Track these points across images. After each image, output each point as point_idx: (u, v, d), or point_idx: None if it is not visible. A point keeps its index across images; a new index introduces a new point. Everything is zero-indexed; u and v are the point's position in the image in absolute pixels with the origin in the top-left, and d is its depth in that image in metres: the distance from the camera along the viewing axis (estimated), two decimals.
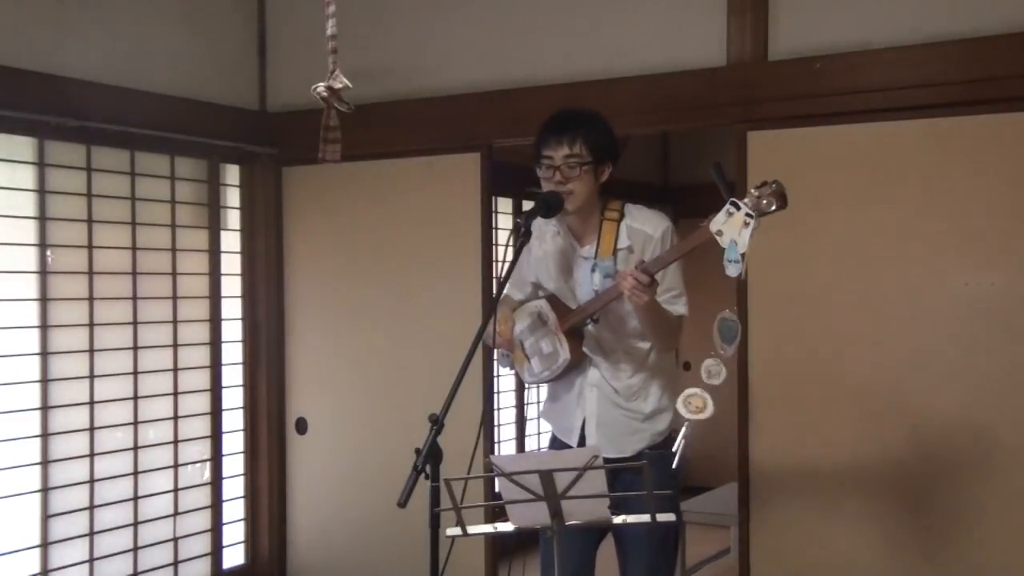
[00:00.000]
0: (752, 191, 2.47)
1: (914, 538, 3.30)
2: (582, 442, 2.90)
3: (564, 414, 2.97)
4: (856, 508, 3.39)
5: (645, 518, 2.28)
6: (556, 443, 3.02)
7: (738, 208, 2.44)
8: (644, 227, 2.81)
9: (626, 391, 2.87)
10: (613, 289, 2.71)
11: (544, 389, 3.09)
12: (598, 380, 2.89)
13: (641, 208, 2.88)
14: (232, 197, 4.63)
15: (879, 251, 3.37)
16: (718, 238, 2.47)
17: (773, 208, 2.43)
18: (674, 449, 2.75)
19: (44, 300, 3.81)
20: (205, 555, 4.46)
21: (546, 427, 6.03)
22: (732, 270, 2.47)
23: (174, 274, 4.30)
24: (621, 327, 2.85)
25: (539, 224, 2.95)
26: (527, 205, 3.04)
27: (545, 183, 2.82)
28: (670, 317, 2.79)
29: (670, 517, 2.32)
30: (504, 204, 5.76)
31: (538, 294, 3.01)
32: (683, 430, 2.69)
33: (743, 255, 2.44)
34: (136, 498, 4.14)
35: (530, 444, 6.18)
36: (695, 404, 2.63)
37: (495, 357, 3.05)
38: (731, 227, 2.45)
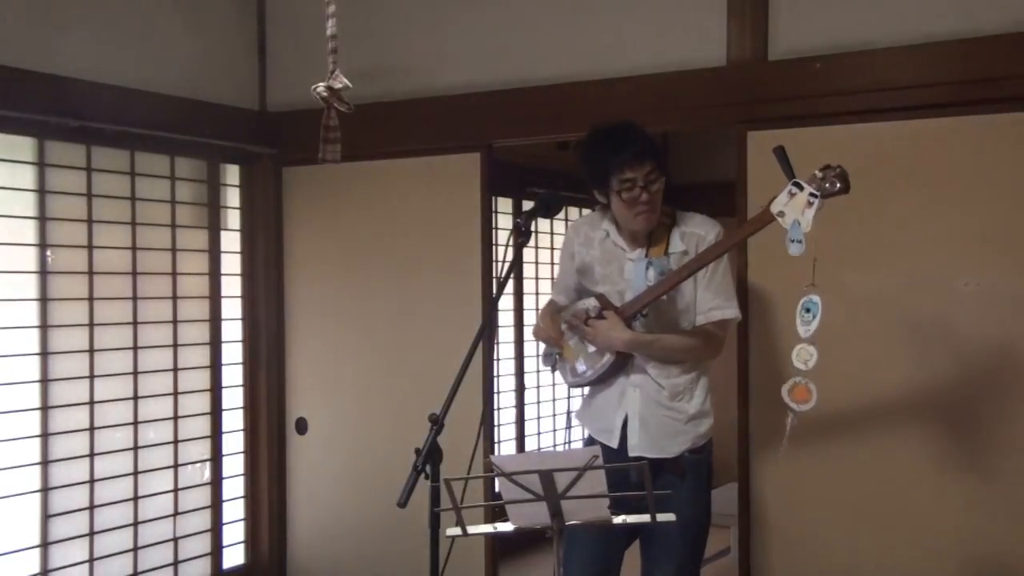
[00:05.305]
0: (816, 173, 2.54)
1: (913, 538, 3.30)
2: (623, 443, 2.90)
3: (603, 415, 2.98)
4: (856, 508, 3.39)
5: (645, 518, 2.28)
6: (592, 444, 3.02)
7: (800, 188, 2.52)
8: (698, 229, 2.90)
9: (672, 389, 2.89)
10: (662, 284, 2.78)
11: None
12: (642, 380, 2.91)
13: (693, 214, 2.96)
14: (232, 197, 4.63)
15: (878, 251, 3.36)
16: (779, 219, 2.56)
17: (837, 188, 2.51)
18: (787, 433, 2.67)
19: (44, 300, 3.81)
20: (205, 555, 4.46)
21: (546, 427, 6.07)
22: (794, 249, 2.56)
23: (174, 274, 4.30)
24: (673, 328, 2.90)
25: (586, 231, 3.01)
26: (527, 205, 3.04)
27: (629, 206, 2.81)
28: (690, 344, 2.87)
29: (669, 517, 2.32)
30: (504, 204, 5.74)
31: (580, 299, 3.05)
32: (790, 420, 2.66)
33: (806, 235, 2.52)
34: (136, 498, 4.14)
35: (530, 444, 6.17)
36: (798, 394, 2.63)
37: (540, 357, 3.07)
38: (793, 208, 2.54)
